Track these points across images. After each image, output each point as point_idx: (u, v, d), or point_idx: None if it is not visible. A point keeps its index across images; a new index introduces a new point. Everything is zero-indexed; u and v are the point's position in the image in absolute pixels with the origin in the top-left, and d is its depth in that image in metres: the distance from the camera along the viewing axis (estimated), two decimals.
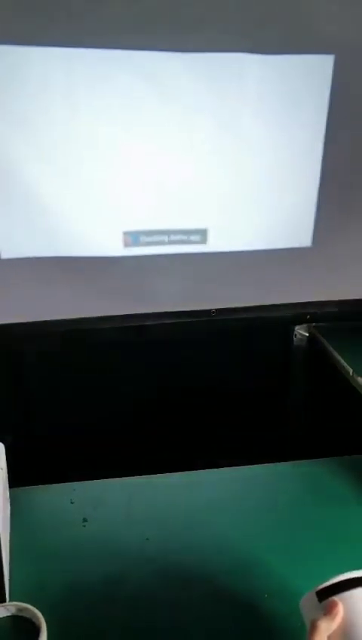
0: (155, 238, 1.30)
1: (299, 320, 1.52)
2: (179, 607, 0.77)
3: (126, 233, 1.29)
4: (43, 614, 0.73)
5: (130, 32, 1.12)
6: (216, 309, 1.42)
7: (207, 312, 1.42)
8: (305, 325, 1.53)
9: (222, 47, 1.15)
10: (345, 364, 1.33)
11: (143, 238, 1.30)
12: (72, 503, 0.94)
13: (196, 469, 1.03)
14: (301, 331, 1.54)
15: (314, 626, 0.61)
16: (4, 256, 1.25)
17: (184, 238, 1.32)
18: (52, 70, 1.12)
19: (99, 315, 1.36)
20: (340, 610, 0.62)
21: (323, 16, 1.16)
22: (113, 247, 1.29)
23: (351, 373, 1.30)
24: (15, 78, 1.11)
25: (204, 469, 1.03)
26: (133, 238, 1.30)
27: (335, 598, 0.63)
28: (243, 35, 1.16)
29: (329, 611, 0.62)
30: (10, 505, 0.90)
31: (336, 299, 1.47)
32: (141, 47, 1.13)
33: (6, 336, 1.33)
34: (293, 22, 1.16)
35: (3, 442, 0.83)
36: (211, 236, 1.33)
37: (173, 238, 1.31)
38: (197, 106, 1.20)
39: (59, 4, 1.08)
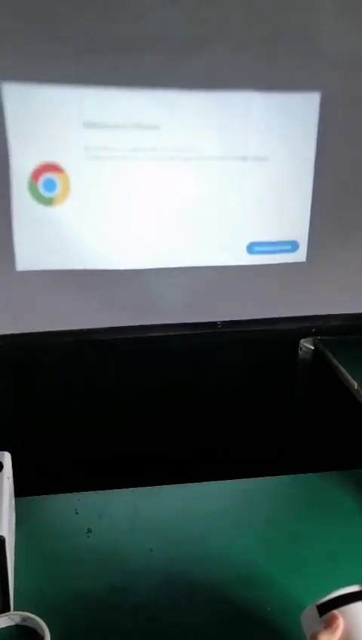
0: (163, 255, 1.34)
1: (305, 333, 1.52)
2: (183, 618, 0.77)
3: (136, 250, 1.32)
4: (47, 624, 0.73)
5: (137, 70, 1.18)
6: (222, 322, 1.43)
7: (213, 325, 1.43)
8: (310, 338, 1.54)
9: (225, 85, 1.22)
10: (350, 377, 1.34)
11: (152, 255, 1.34)
12: (76, 513, 0.95)
13: (200, 481, 1.04)
14: (306, 344, 1.55)
15: None
16: (20, 268, 1.28)
17: (183, 254, 1.35)
18: (65, 103, 1.18)
19: (104, 326, 1.37)
20: (340, 624, 0.62)
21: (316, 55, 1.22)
22: (123, 261, 1.32)
23: (356, 386, 1.30)
24: (33, 110, 1.17)
25: (207, 480, 1.04)
26: (143, 253, 1.33)
27: (336, 612, 0.63)
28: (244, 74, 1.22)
29: (329, 625, 0.62)
30: (16, 514, 0.90)
31: (342, 312, 1.47)
32: (146, 83, 1.19)
33: (10, 347, 1.34)
34: (282, 61, 1.22)
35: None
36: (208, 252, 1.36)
37: (172, 254, 1.35)
38: (193, 137, 1.26)
39: (68, 47, 1.13)
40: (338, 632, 0.61)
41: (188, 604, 0.80)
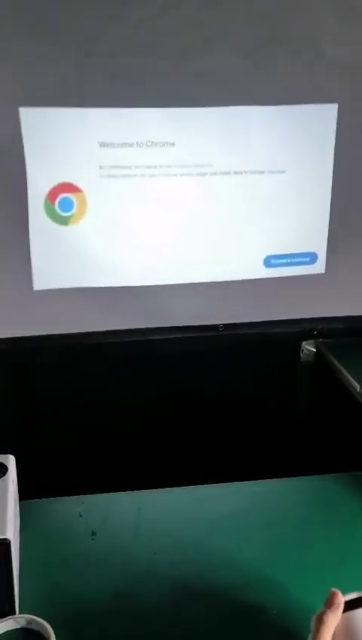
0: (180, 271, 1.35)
1: (306, 336, 1.53)
2: (188, 621, 0.77)
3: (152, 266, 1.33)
4: (52, 627, 0.74)
5: (148, 91, 1.19)
6: (223, 325, 1.43)
7: (215, 328, 1.43)
8: (312, 341, 1.54)
9: (231, 102, 1.22)
10: (352, 379, 1.34)
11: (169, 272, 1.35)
12: (80, 516, 0.95)
13: (203, 483, 1.04)
14: (308, 347, 1.55)
15: (320, 621, 0.61)
16: (37, 287, 1.29)
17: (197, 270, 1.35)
18: (80, 124, 1.20)
19: (106, 329, 1.37)
20: (342, 600, 0.62)
21: (325, 67, 1.22)
22: (140, 277, 1.34)
23: (358, 389, 1.31)
24: (49, 132, 1.19)
25: (211, 483, 1.04)
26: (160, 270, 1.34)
27: (335, 589, 0.64)
28: (250, 88, 1.22)
29: (331, 603, 0.63)
30: (20, 517, 0.90)
31: (343, 315, 1.47)
32: (159, 103, 1.20)
33: (12, 349, 1.35)
34: (296, 75, 1.22)
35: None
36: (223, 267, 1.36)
37: (186, 270, 1.35)
38: (208, 151, 1.26)
39: (86, 71, 1.15)
40: (341, 609, 0.62)
41: (193, 607, 0.80)
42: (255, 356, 1.53)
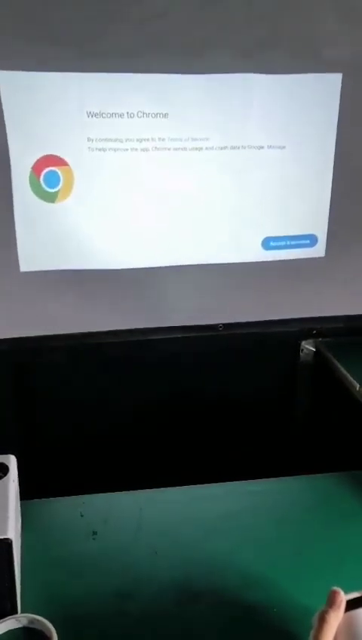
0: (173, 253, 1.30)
1: (306, 335, 1.53)
2: (188, 620, 0.78)
3: (144, 247, 1.28)
4: (54, 626, 0.74)
5: (139, 56, 1.13)
6: (223, 324, 1.43)
7: (214, 327, 1.43)
8: (311, 340, 1.54)
9: (230, 69, 1.16)
10: (352, 378, 1.34)
11: (154, 253, 1.30)
12: (81, 516, 0.95)
13: (203, 483, 1.04)
14: (307, 346, 1.55)
15: (323, 620, 0.61)
16: (23, 269, 1.25)
17: (193, 252, 1.31)
18: (65, 91, 1.13)
19: (105, 329, 1.37)
20: (343, 599, 0.62)
21: (330, 36, 1.17)
22: (131, 259, 1.29)
23: (357, 387, 1.31)
24: (32, 100, 1.12)
25: (211, 482, 1.04)
26: (152, 250, 1.29)
27: (337, 588, 0.64)
28: (250, 56, 1.16)
29: (333, 602, 0.63)
30: (21, 517, 0.90)
31: (343, 314, 1.48)
32: (150, 70, 1.14)
33: (12, 350, 1.35)
34: (300, 43, 1.17)
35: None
36: (219, 249, 1.32)
37: (181, 252, 1.31)
38: (204, 124, 1.20)
39: (68, 33, 1.09)
40: (343, 608, 0.62)
41: (194, 606, 0.80)
42: (254, 356, 1.54)
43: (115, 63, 1.12)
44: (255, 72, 1.16)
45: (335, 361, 1.43)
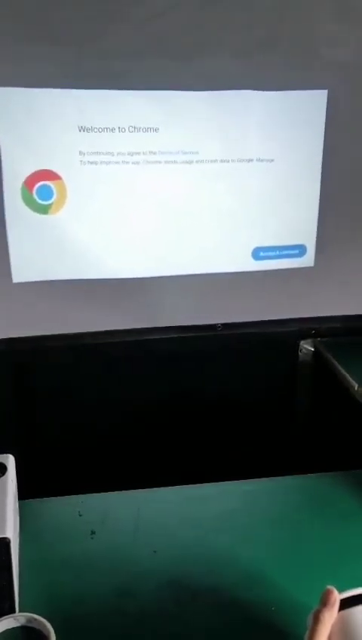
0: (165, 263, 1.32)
1: (305, 335, 1.53)
2: (187, 619, 0.78)
3: (136, 258, 1.30)
4: (52, 625, 0.74)
5: (137, 70, 1.15)
6: (222, 324, 1.43)
7: (213, 327, 1.43)
8: (310, 340, 1.54)
9: (227, 86, 1.19)
10: (351, 378, 1.34)
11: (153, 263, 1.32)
12: (80, 515, 0.95)
13: (202, 482, 1.04)
14: (306, 346, 1.55)
15: (316, 619, 0.61)
16: (16, 280, 1.26)
17: (185, 262, 1.33)
18: (58, 107, 1.15)
19: (104, 329, 1.38)
20: (337, 597, 0.62)
21: (318, 55, 1.20)
22: (124, 270, 1.31)
23: (356, 387, 1.31)
24: (25, 115, 1.14)
25: (210, 482, 1.04)
26: (144, 261, 1.31)
27: (331, 587, 0.64)
28: (246, 75, 1.20)
29: (326, 601, 0.62)
30: (19, 516, 0.91)
31: (341, 314, 1.48)
32: (144, 82, 1.16)
33: (11, 350, 1.35)
34: (291, 61, 1.20)
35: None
36: (210, 259, 1.34)
37: (173, 262, 1.33)
38: (194, 138, 1.23)
39: (66, 35, 1.10)
40: (337, 606, 0.62)
41: (192, 605, 0.80)
42: (254, 355, 1.54)
43: (109, 80, 1.15)
44: (245, 82, 1.19)
45: (335, 361, 1.44)
